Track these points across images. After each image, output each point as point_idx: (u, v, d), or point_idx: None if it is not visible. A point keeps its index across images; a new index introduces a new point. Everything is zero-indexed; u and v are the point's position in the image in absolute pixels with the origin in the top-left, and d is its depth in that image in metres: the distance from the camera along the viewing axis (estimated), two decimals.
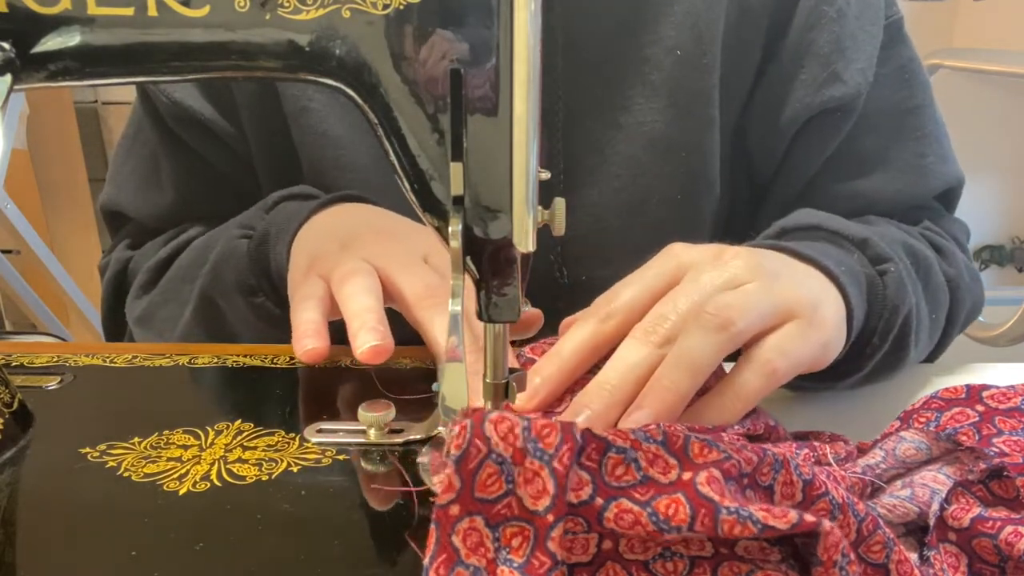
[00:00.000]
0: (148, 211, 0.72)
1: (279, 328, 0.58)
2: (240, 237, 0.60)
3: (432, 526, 0.30)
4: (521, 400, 0.42)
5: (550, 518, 0.30)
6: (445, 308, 0.47)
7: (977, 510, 0.36)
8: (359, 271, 0.49)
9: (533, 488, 0.30)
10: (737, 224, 0.69)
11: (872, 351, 0.50)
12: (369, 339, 0.45)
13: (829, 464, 0.40)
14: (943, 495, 0.37)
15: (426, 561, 0.29)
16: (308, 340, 0.47)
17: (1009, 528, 0.35)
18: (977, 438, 0.40)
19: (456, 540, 0.30)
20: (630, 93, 0.63)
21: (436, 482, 0.39)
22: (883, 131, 0.66)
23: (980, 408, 0.42)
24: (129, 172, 0.73)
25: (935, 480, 0.38)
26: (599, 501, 0.31)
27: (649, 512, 0.31)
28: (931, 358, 0.64)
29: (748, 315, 0.40)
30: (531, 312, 0.46)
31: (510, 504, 0.30)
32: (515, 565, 0.30)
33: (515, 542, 0.30)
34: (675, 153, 0.64)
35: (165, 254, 0.68)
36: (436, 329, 0.47)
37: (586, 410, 0.40)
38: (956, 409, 0.42)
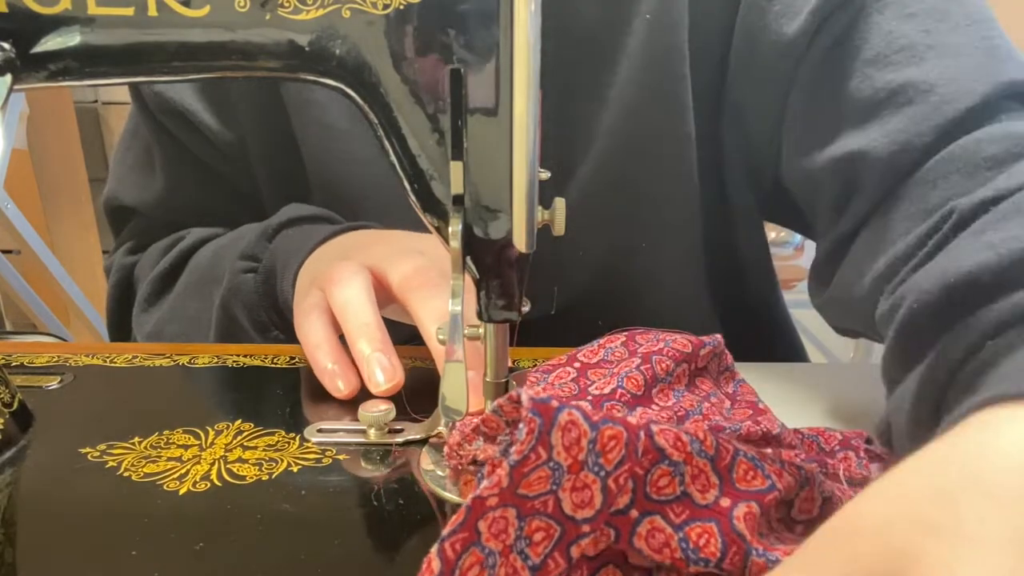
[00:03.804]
0: (144, 198, 0.72)
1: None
2: (245, 271, 0.60)
3: (463, 507, 0.29)
4: None
5: (586, 528, 0.30)
6: (431, 290, 0.47)
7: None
8: (349, 271, 0.50)
9: (579, 497, 0.30)
10: (730, 184, 0.67)
11: None
12: (381, 380, 0.46)
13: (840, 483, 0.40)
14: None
15: (444, 532, 0.29)
16: (340, 382, 0.48)
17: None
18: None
19: (482, 525, 0.29)
20: (616, 68, 0.63)
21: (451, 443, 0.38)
22: (921, 17, 0.53)
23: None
24: (129, 165, 0.73)
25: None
26: (634, 513, 0.31)
27: (680, 537, 0.30)
28: None
29: None
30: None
31: (546, 502, 0.30)
32: (529, 564, 0.29)
33: (537, 536, 0.30)
34: (652, 115, 0.62)
35: (167, 264, 0.68)
36: (421, 312, 0.47)
37: None
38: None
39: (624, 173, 0.64)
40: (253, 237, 0.61)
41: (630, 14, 0.61)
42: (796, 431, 0.43)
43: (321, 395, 0.49)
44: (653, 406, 0.45)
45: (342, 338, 0.50)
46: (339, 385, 0.48)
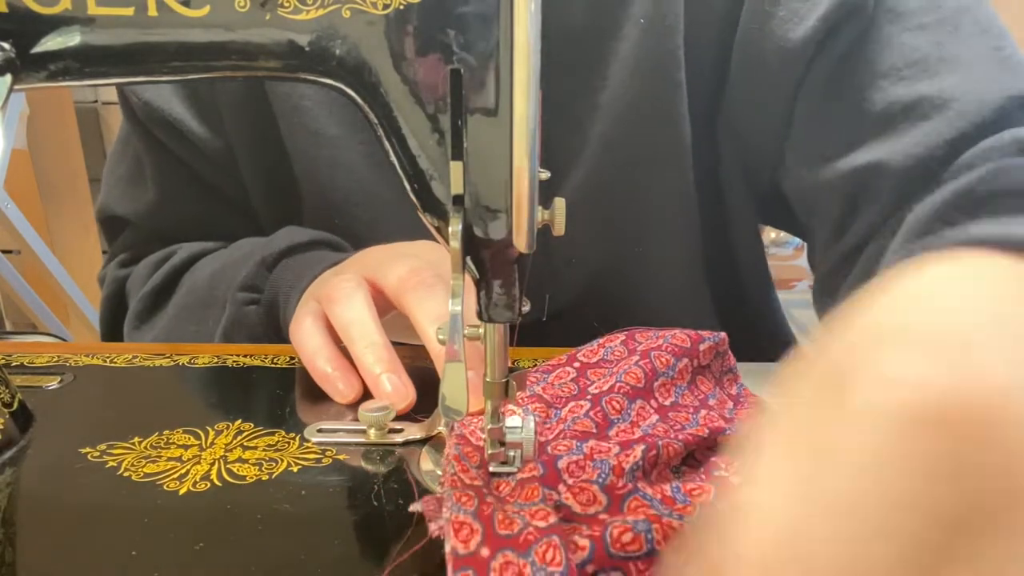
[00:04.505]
0: (136, 209, 0.72)
1: None
2: (247, 303, 0.60)
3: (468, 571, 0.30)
4: None
5: None
6: (426, 290, 0.47)
7: None
8: (349, 288, 0.50)
9: None
10: (727, 189, 0.67)
11: None
12: (394, 401, 0.46)
13: None
14: None
15: None
16: (341, 384, 0.48)
17: None
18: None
19: None
20: (608, 72, 0.62)
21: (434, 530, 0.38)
22: (933, 28, 0.53)
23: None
24: (120, 175, 0.73)
25: None
26: None
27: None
28: None
29: None
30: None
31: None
32: (557, 573, 0.29)
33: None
34: (646, 120, 0.62)
35: (158, 281, 0.68)
36: (417, 313, 0.47)
37: None
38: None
39: (617, 179, 0.64)
40: (253, 267, 0.61)
41: (620, 18, 0.61)
42: None
43: (321, 395, 0.49)
44: (653, 401, 0.45)
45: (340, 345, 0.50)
46: (340, 388, 0.48)
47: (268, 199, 0.70)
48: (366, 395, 0.48)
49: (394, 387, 0.47)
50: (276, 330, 0.58)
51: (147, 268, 0.70)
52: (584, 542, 0.30)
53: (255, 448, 0.43)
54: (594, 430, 0.42)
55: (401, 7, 0.33)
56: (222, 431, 0.45)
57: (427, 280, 0.48)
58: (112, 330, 0.74)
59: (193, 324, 0.65)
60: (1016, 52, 0.52)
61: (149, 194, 0.71)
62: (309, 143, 0.65)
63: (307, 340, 0.50)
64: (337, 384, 0.48)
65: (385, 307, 0.50)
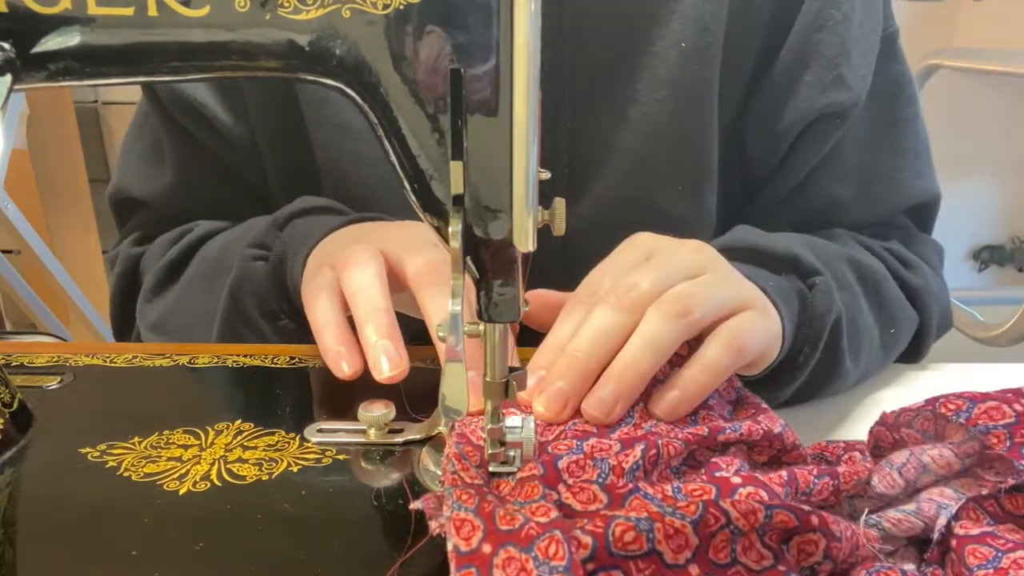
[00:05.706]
0: (152, 190, 0.72)
1: (299, 341, 0.58)
2: (255, 259, 0.60)
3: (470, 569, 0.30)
4: (547, 408, 0.43)
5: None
6: (444, 287, 0.47)
7: (987, 528, 0.35)
8: (363, 254, 0.50)
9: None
10: (733, 223, 0.69)
11: (805, 359, 0.52)
12: (385, 368, 0.46)
13: (850, 493, 0.38)
14: (951, 510, 0.36)
15: None
16: (344, 364, 0.48)
17: (1019, 553, 0.33)
18: (1008, 444, 0.36)
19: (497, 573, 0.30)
20: (637, 87, 0.63)
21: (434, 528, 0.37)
22: (864, 142, 0.67)
23: (1018, 408, 0.37)
24: (137, 156, 0.73)
25: (941, 494, 0.37)
26: None
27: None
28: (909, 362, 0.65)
29: (706, 304, 0.43)
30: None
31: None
32: (561, 568, 0.29)
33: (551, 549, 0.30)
34: (678, 143, 0.64)
35: (174, 255, 0.68)
36: (431, 309, 0.47)
37: (559, 382, 0.42)
38: (991, 403, 0.38)
39: (641, 193, 0.65)
40: (263, 226, 0.61)
41: (654, 35, 0.63)
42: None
43: (321, 395, 0.49)
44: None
45: (351, 319, 0.50)
46: (343, 367, 0.48)
47: (287, 188, 0.70)
48: (367, 394, 0.48)
49: (388, 355, 0.46)
50: (283, 288, 0.58)
51: (163, 245, 0.70)
52: (587, 539, 0.30)
53: (255, 448, 0.43)
54: (595, 431, 0.42)
55: (401, 7, 0.33)
56: (222, 431, 0.45)
57: (444, 276, 0.48)
58: (124, 308, 0.73)
59: (202, 293, 0.64)
60: (910, 168, 0.68)
61: (167, 176, 0.71)
62: (334, 135, 0.65)
63: (319, 314, 0.50)
64: (340, 362, 0.48)
65: (398, 288, 0.50)
